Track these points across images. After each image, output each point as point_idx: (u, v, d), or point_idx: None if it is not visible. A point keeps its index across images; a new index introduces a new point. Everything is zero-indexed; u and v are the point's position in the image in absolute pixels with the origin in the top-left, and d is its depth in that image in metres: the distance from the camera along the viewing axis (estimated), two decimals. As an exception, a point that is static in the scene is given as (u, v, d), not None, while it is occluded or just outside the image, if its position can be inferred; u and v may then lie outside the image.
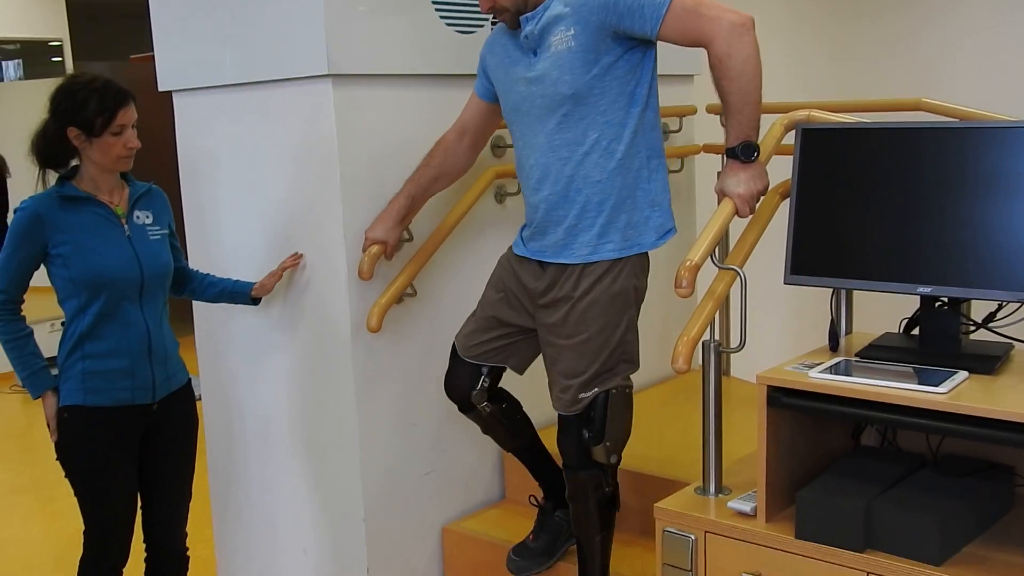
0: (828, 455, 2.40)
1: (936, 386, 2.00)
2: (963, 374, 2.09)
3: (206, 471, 3.56)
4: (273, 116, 3.08)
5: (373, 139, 3.01)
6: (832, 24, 4.89)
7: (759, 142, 2.44)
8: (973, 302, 2.29)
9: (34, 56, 9.97)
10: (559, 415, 2.67)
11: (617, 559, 3.01)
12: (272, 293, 3.12)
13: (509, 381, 2.91)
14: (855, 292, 2.58)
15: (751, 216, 2.50)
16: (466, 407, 2.89)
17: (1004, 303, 2.23)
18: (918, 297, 2.26)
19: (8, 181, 7.62)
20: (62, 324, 2.75)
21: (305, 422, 3.22)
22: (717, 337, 2.44)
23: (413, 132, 3.07)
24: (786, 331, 4.64)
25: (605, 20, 2.42)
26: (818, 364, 2.22)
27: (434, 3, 3.09)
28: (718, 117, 3.94)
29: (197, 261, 3.39)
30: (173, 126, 3.43)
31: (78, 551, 2.86)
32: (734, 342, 2.43)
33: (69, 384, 2.72)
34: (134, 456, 2.82)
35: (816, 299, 2.87)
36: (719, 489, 2.40)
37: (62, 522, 4.53)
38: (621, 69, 2.49)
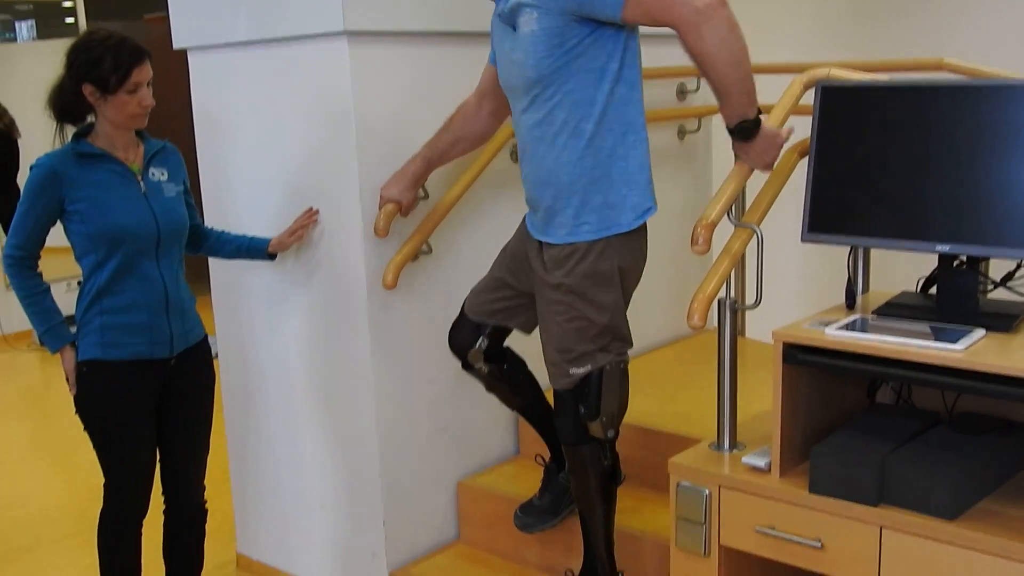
0: (843, 412, 2.41)
1: (953, 343, 2.01)
2: (980, 332, 2.09)
3: (223, 427, 3.60)
4: (288, 74, 3.08)
5: (389, 96, 3.00)
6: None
7: (776, 104, 2.43)
8: (991, 261, 2.29)
9: (47, 16, 9.94)
10: (554, 392, 2.66)
11: (631, 514, 3.04)
12: (287, 250, 3.14)
13: (517, 344, 2.92)
14: (872, 251, 2.57)
15: (769, 174, 2.50)
16: (466, 365, 2.91)
17: (1022, 262, 2.23)
18: (936, 255, 2.26)
19: (19, 142, 7.64)
20: (79, 283, 2.77)
21: (321, 378, 3.24)
22: (733, 295, 2.43)
23: (429, 90, 3.07)
24: (802, 290, 4.64)
25: (566, 5, 2.33)
26: (834, 321, 2.22)
27: (451, -41, 3.08)
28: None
29: (213, 219, 3.41)
30: (188, 85, 3.43)
31: (98, 505, 2.90)
32: (750, 300, 2.42)
33: (88, 339, 2.75)
34: (152, 410, 2.85)
35: (833, 258, 2.87)
36: (733, 444, 2.41)
37: (82, 477, 4.58)
38: (591, 49, 2.39)
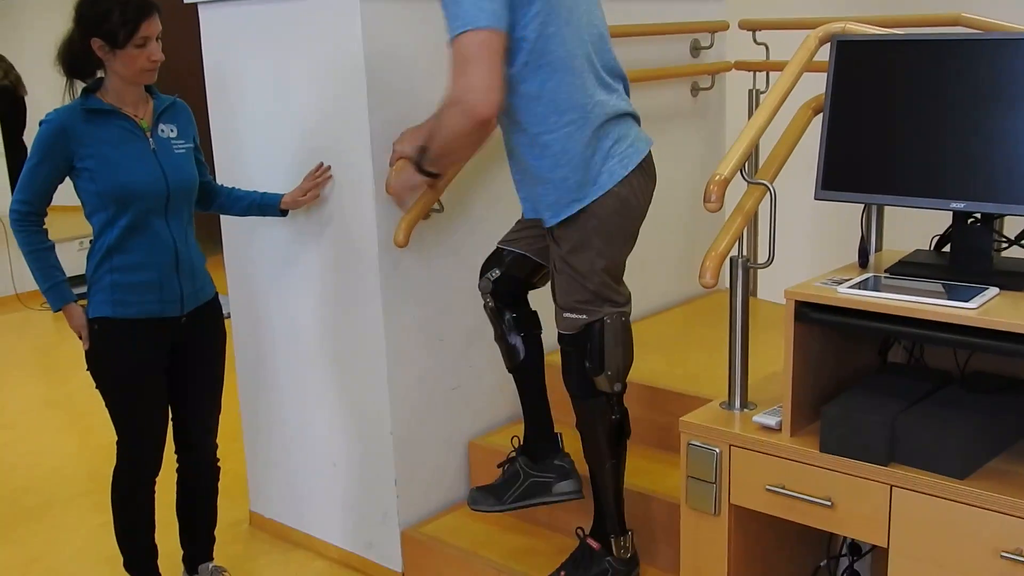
0: (854, 372, 2.40)
1: (966, 302, 1.99)
2: (994, 290, 2.07)
3: (236, 387, 3.61)
4: (300, 29, 3.06)
5: (401, 53, 2.98)
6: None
7: (791, 60, 2.40)
8: (1006, 218, 2.27)
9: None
10: (560, 349, 2.69)
11: (641, 473, 3.05)
12: (300, 208, 3.14)
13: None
14: (886, 209, 2.55)
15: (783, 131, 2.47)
16: (487, 306, 2.90)
17: (1038, 219, 2.21)
18: (950, 213, 2.23)
19: (25, 99, 7.64)
20: (91, 242, 2.77)
21: (333, 337, 3.24)
22: (745, 253, 2.42)
23: (441, 46, 3.03)
24: (814, 249, 4.62)
25: None
26: (847, 280, 2.20)
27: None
28: (751, 33, 3.90)
29: (224, 176, 3.40)
30: (198, 40, 3.41)
31: (111, 463, 2.92)
32: (762, 258, 2.41)
33: (98, 296, 2.75)
34: (163, 368, 2.86)
35: (846, 216, 2.85)
36: (744, 404, 2.41)
37: (95, 435, 4.62)
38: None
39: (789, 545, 2.56)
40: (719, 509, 2.33)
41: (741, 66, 3.97)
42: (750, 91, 3.94)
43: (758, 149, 3.57)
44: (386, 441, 3.16)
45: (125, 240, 2.72)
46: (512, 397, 3.44)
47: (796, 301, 2.17)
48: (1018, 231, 2.26)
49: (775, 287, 2.80)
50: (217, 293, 2.98)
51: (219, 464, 3.14)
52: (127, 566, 3.02)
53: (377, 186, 2.97)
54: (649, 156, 2.63)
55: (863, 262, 2.39)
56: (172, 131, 2.81)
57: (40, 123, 2.68)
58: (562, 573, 2.80)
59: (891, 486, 2.06)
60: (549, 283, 2.73)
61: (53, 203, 2.74)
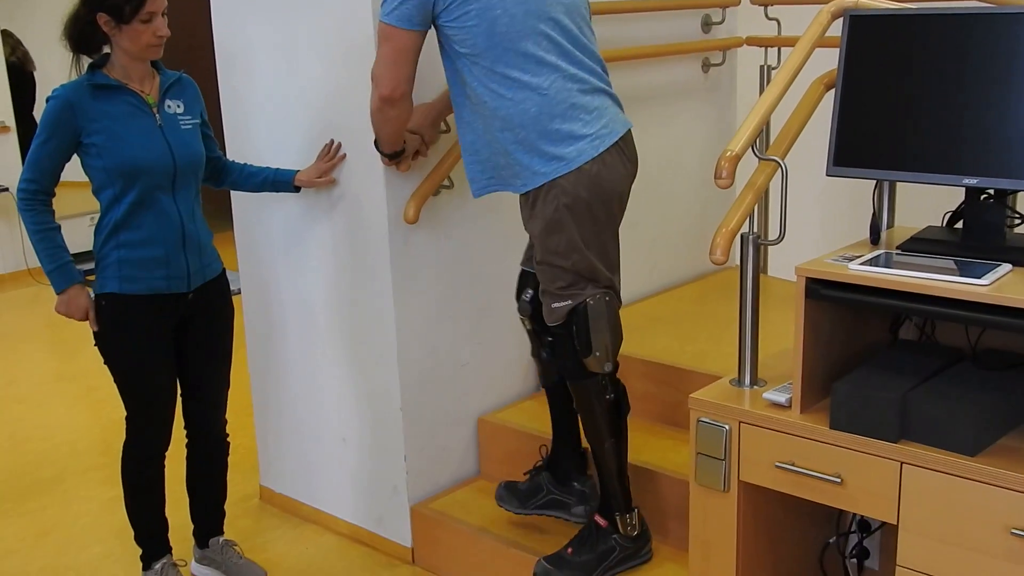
0: (865, 349, 2.39)
1: (978, 278, 1.98)
2: (1006, 267, 2.06)
3: (246, 362, 3.62)
4: (310, 2, 3.04)
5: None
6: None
7: (803, 35, 2.38)
8: (1019, 195, 2.25)
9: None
10: (552, 332, 2.71)
11: (651, 450, 3.05)
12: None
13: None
14: (898, 185, 2.54)
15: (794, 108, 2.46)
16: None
17: (1051, 196, 2.20)
18: (963, 189, 2.22)
19: (34, 74, 7.64)
20: (98, 219, 2.77)
21: (343, 313, 3.25)
22: (756, 230, 2.41)
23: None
24: (826, 226, 4.59)
25: None
26: (858, 256, 2.19)
27: None
28: (762, 8, 3.87)
29: (234, 153, 3.40)
30: (208, 15, 3.40)
31: (123, 437, 2.94)
32: (773, 235, 2.40)
33: (106, 272, 2.75)
34: (171, 344, 2.86)
35: (858, 193, 2.84)
36: (754, 381, 2.40)
37: (107, 409, 4.64)
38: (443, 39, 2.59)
39: (798, 522, 2.56)
40: (728, 486, 2.33)
41: (753, 42, 3.95)
42: (761, 67, 3.92)
43: (769, 125, 3.55)
44: (396, 417, 3.17)
45: (132, 216, 2.72)
46: (521, 374, 3.45)
47: (807, 278, 2.16)
48: (1031, 207, 2.25)
49: (786, 264, 2.79)
50: (224, 269, 2.98)
51: (228, 439, 3.15)
52: (138, 539, 3.04)
53: (387, 162, 2.96)
54: (627, 139, 2.63)
55: (875, 239, 2.38)
56: (179, 107, 2.80)
57: (47, 99, 2.67)
58: (569, 550, 2.81)
59: (901, 463, 2.06)
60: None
61: (64, 179, 2.74)
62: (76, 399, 4.93)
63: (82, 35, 2.68)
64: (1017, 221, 2.25)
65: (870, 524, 2.65)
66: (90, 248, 2.80)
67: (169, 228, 2.76)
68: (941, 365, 2.23)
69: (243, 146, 3.38)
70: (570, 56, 2.55)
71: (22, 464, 4.19)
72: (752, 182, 2.37)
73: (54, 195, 2.74)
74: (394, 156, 2.88)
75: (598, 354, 2.64)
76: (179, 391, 2.98)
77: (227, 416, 3.12)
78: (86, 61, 2.73)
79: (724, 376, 2.48)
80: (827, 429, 2.15)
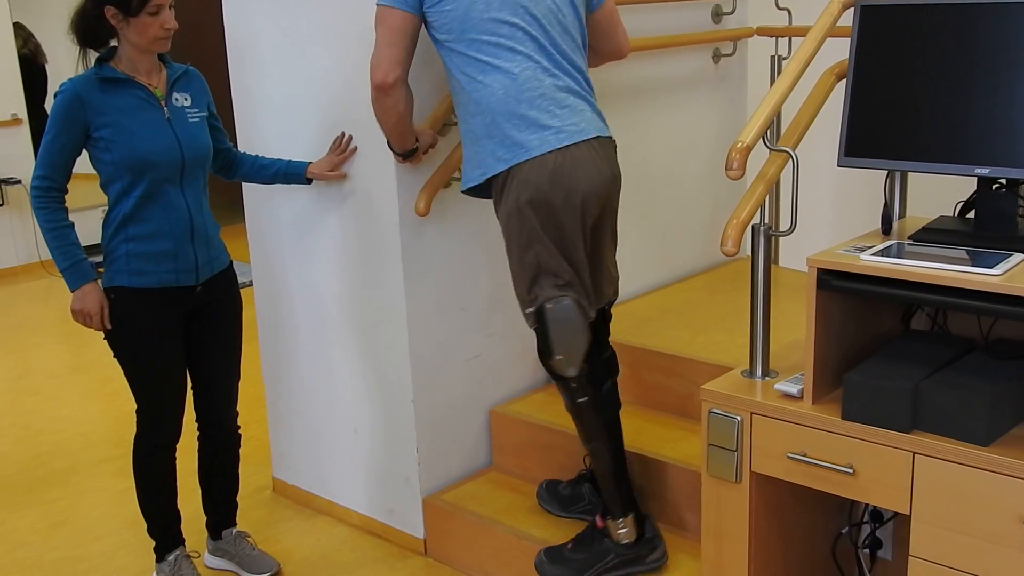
0: (877, 339, 2.39)
1: (990, 268, 1.97)
2: (1018, 256, 2.06)
3: (258, 354, 3.63)
4: (319, -3, 3.05)
5: (420, 20, 2.96)
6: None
7: (814, 26, 2.37)
8: (1031, 184, 2.25)
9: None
10: None
11: (663, 441, 3.05)
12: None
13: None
14: (910, 175, 2.53)
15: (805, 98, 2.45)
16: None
17: (1064, 186, 2.19)
18: (974, 179, 2.21)
19: (46, 67, 7.66)
20: (106, 212, 2.78)
21: (355, 305, 3.25)
22: (767, 221, 2.40)
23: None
24: (837, 217, 4.59)
25: None
26: (869, 247, 2.19)
27: None
28: (773, -2, 3.85)
29: (245, 144, 3.40)
30: (215, 9, 3.41)
31: (134, 429, 2.95)
32: (784, 226, 2.39)
33: (114, 266, 2.76)
34: (180, 336, 2.87)
35: (869, 183, 2.83)
36: (766, 372, 2.40)
37: (119, 401, 4.66)
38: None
39: (810, 512, 2.56)
40: (740, 477, 2.33)
41: (763, 32, 3.94)
42: (772, 57, 3.91)
43: (780, 116, 3.54)
44: (407, 409, 3.18)
45: (140, 209, 2.73)
46: (532, 366, 3.45)
47: (818, 269, 2.16)
48: (1044, 197, 2.24)
49: (797, 254, 2.78)
50: (232, 261, 2.99)
51: (240, 431, 3.16)
52: (151, 531, 3.06)
53: (398, 154, 2.96)
54: (604, 144, 2.58)
55: (886, 229, 2.38)
56: (186, 100, 2.81)
57: (55, 94, 2.68)
58: (569, 546, 2.81)
59: (913, 453, 2.06)
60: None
61: (76, 171, 2.74)
62: (89, 391, 4.96)
63: (89, 29, 2.69)
64: (1030, 211, 2.24)
65: (882, 514, 2.65)
66: (100, 241, 2.80)
67: (178, 221, 2.77)
68: (953, 355, 2.23)
69: (253, 138, 3.39)
70: (547, 53, 2.53)
71: (36, 456, 4.21)
72: (763, 173, 2.37)
73: (67, 191, 2.74)
74: (407, 155, 2.88)
75: (559, 358, 2.60)
76: (190, 384, 2.99)
77: (239, 408, 3.13)
78: (93, 55, 2.74)
79: (736, 367, 2.48)
80: (839, 420, 2.15)
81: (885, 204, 2.44)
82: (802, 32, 2.61)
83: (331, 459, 3.52)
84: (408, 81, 2.63)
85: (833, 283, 2.15)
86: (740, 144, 2.27)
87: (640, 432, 3.13)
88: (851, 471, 2.14)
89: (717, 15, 3.97)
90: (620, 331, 3.42)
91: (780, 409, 2.24)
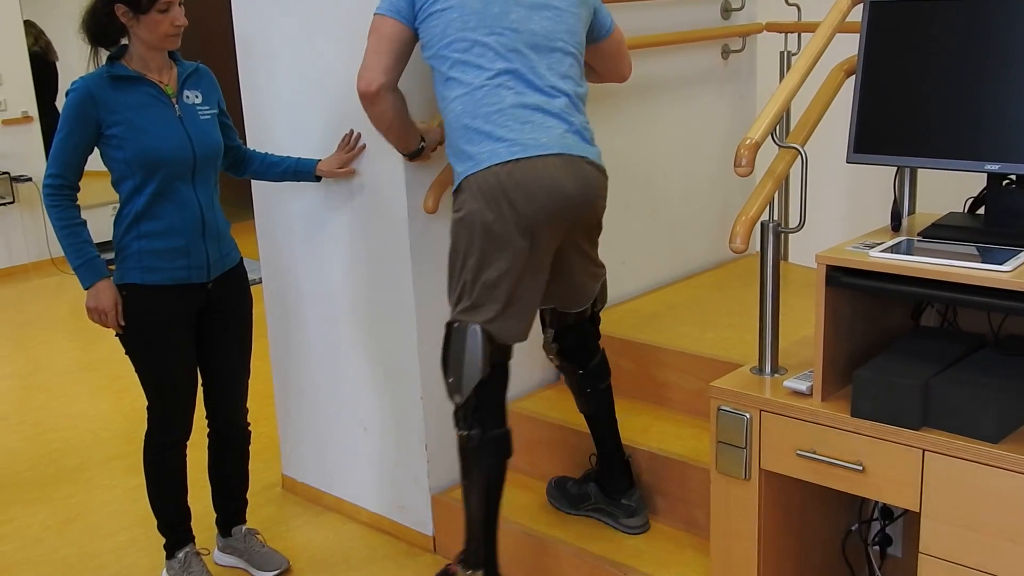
0: (886, 336, 2.38)
1: (1000, 264, 1.97)
2: (1029, 253, 2.05)
3: (267, 352, 3.63)
4: (327, -6, 3.05)
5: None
6: None
7: (823, 22, 2.36)
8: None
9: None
10: None
11: (671, 438, 3.05)
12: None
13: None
14: (919, 172, 2.52)
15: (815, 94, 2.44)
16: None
17: (1075, 181, 2.18)
18: (984, 175, 2.20)
19: (57, 65, 7.67)
20: (118, 209, 2.78)
21: (364, 302, 3.26)
22: (776, 217, 2.40)
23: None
24: (846, 213, 4.58)
25: None
26: (879, 244, 2.18)
27: None
28: (782, -7, 3.84)
29: (254, 141, 3.41)
30: (224, 7, 3.41)
31: (145, 426, 2.95)
32: (793, 223, 2.39)
33: (126, 263, 2.77)
34: (191, 333, 2.88)
35: (879, 180, 2.82)
36: (775, 369, 2.39)
37: (129, 398, 4.67)
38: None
39: (820, 509, 2.56)
40: (750, 474, 2.33)
41: (772, 28, 3.93)
42: (781, 53, 3.90)
43: (789, 112, 3.53)
44: (416, 406, 3.18)
45: (152, 207, 2.73)
46: (542, 363, 3.45)
47: (828, 265, 2.16)
48: (1055, 193, 2.23)
49: (807, 251, 2.78)
50: (242, 258, 3.00)
51: (250, 428, 3.17)
52: (161, 528, 3.06)
53: (406, 151, 2.96)
54: (573, 161, 2.48)
55: (896, 225, 2.37)
56: (197, 97, 2.81)
57: (67, 92, 2.69)
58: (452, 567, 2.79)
59: (923, 450, 2.05)
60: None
61: (88, 169, 2.75)
62: (100, 388, 4.97)
63: (100, 27, 2.69)
64: (1040, 207, 2.23)
65: (893, 511, 2.65)
66: (111, 238, 2.81)
67: (189, 218, 2.77)
68: (963, 352, 2.22)
69: (263, 135, 3.39)
70: (517, 73, 2.47)
71: (47, 453, 4.22)
72: (772, 170, 2.36)
73: (79, 189, 2.75)
74: (413, 155, 2.87)
75: (450, 380, 2.57)
76: (200, 380, 2.99)
77: (249, 405, 3.13)
78: (104, 53, 2.74)
79: (745, 364, 2.48)
80: (849, 417, 2.15)
81: (895, 200, 2.43)
82: (811, 28, 2.60)
83: (340, 456, 3.52)
84: (398, 88, 2.61)
85: (842, 280, 2.14)
86: (749, 141, 2.27)
87: (649, 429, 3.13)
88: (861, 468, 2.14)
89: (726, 11, 3.96)
90: (629, 328, 3.42)
91: (789, 406, 2.24)
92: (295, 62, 3.22)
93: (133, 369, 2.87)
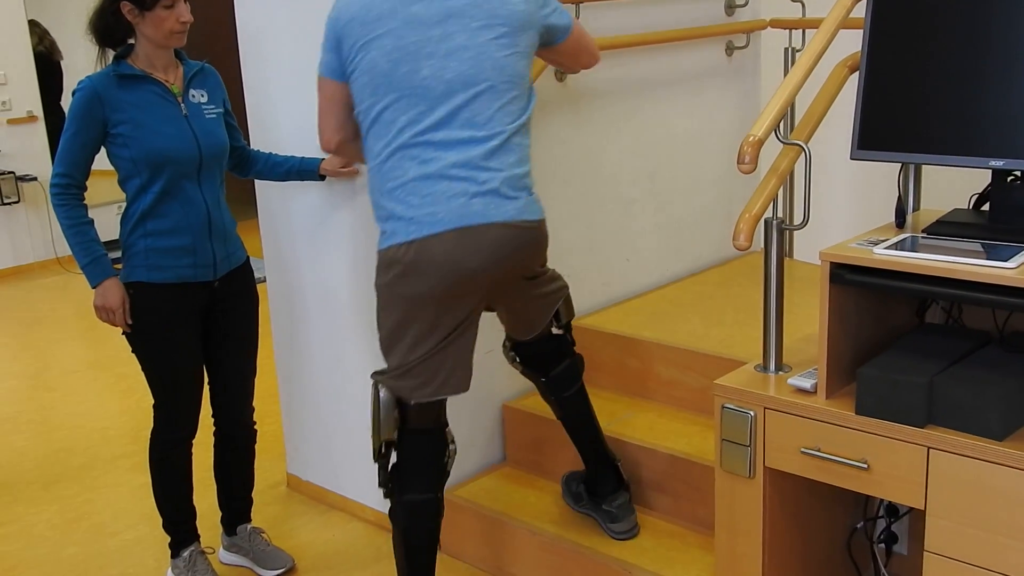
0: (891, 333, 2.38)
1: (1005, 261, 1.96)
2: (1034, 250, 2.04)
3: (272, 350, 3.64)
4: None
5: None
6: None
7: (827, 17, 2.35)
8: (1047, 177, 2.23)
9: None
10: None
11: (675, 436, 3.05)
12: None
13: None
14: (924, 168, 2.51)
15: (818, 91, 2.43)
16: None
17: (1080, 178, 2.17)
18: (989, 172, 2.20)
19: (62, 64, 7.68)
20: (124, 208, 2.78)
21: (367, 300, 3.24)
22: (780, 215, 2.39)
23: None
24: (851, 210, 4.57)
25: None
26: (883, 240, 2.18)
27: None
28: (786, -10, 3.83)
29: (257, 141, 3.41)
30: (229, 6, 3.41)
31: (151, 424, 2.96)
32: (797, 220, 2.38)
33: (133, 261, 2.77)
34: (197, 332, 2.88)
35: (883, 176, 2.81)
36: (779, 366, 2.39)
37: (136, 397, 4.68)
38: None
39: (825, 507, 2.55)
40: (754, 472, 2.32)
41: (776, 24, 3.92)
42: (786, 49, 3.89)
43: (793, 109, 3.53)
44: (421, 403, 3.17)
45: (159, 205, 2.74)
46: (546, 359, 3.44)
47: (832, 262, 2.15)
48: (1060, 190, 2.22)
49: (811, 248, 2.77)
50: (248, 257, 3.00)
51: (256, 427, 3.17)
52: (166, 527, 3.07)
53: (410, 149, 2.96)
54: (467, 236, 2.38)
55: (900, 222, 2.36)
56: (203, 96, 2.81)
57: (73, 92, 2.69)
58: None
59: (928, 448, 2.04)
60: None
61: (94, 168, 2.75)
62: (106, 386, 4.98)
63: (107, 27, 2.70)
64: (1045, 203, 2.22)
65: (898, 509, 2.64)
66: (118, 237, 2.81)
67: (195, 217, 2.78)
68: (968, 349, 2.21)
69: (266, 135, 3.39)
70: (425, 140, 2.40)
71: (53, 451, 4.23)
72: (776, 167, 2.35)
73: (86, 188, 2.75)
74: None
75: (373, 435, 2.60)
76: (206, 379, 3.00)
77: (254, 404, 3.14)
78: (111, 54, 2.75)
79: (749, 361, 2.47)
80: (853, 414, 2.14)
81: (899, 197, 2.42)
82: (815, 24, 2.59)
83: (345, 454, 3.52)
84: (359, 134, 2.56)
85: (847, 277, 2.14)
86: (752, 138, 2.26)
87: (653, 426, 3.13)
88: (865, 466, 2.13)
89: (730, 7, 3.95)
90: (633, 325, 3.42)
91: (794, 404, 2.23)
92: (298, 62, 3.22)
93: (139, 368, 2.88)
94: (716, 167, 4.03)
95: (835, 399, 2.21)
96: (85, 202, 2.76)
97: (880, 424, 2.10)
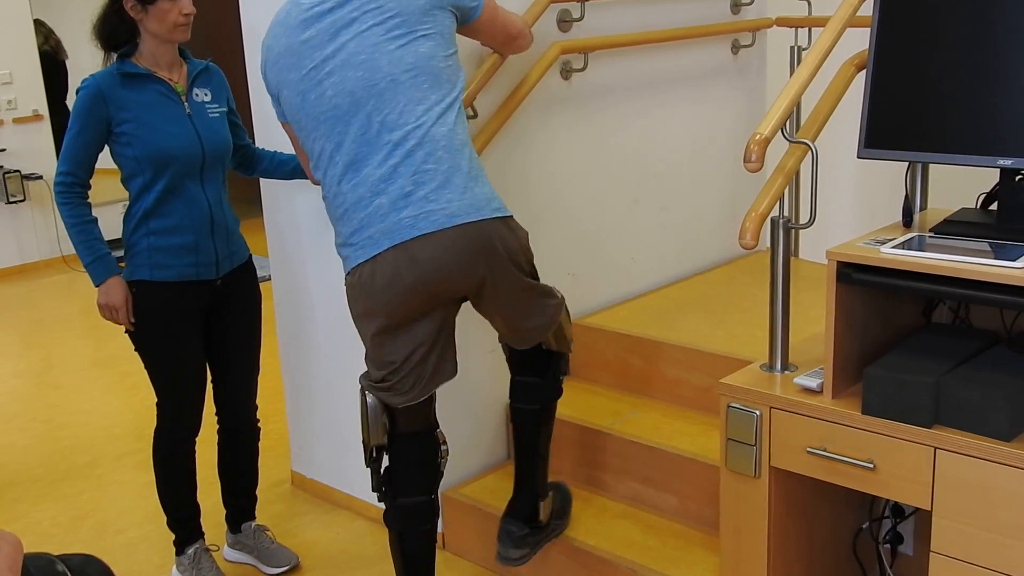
0: (898, 332, 2.37)
1: (1013, 261, 1.95)
2: (1042, 249, 2.03)
3: (276, 348, 3.63)
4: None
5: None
6: None
7: (834, 16, 2.35)
8: (1055, 176, 2.22)
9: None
10: None
11: (681, 435, 3.04)
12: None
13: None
14: (931, 167, 2.50)
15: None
16: None
17: (1088, 177, 2.16)
18: (997, 171, 2.19)
19: (67, 63, 7.69)
20: (127, 207, 2.78)
21: (372, 299, 3.25)
22: (786, 213, 2.38)
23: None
24: (857, 209, 4.56)
25: None
26: (890, 240, 2.17)
27: None
28: (792, -12, 3.82)
29: (263, 139, 3.40)
30: (233, 6, 3.41)
31: (155, 422, 2.96)
32: (803, 219, 2.37)
33: (136, 260, 2.77)
34: (199, 330, 2.88)
35: (890, 175, 2.80)
36: (785, 366, 2.38)
37: (140, 395, 4.68)
38: None
39: (830, 507, 2.54)
40: (759, 471, 2.32)
41: (783, 22, 3.91)
42: (792, 48, 3.88)
43: (800, 107, 3.51)
44: (426, 402, 3.17)
45: (161, 204, 2.74)
46: (551, 358, 3.43)
47: (838, 262, 2.14)
48: (1068, 189, 2.21)
49: (818, 247, 2.76)
50: (251, 255, 3.00)
51: (259, 425, 3.17)
52: (170, 525, 3.07)
53: (415, 147, 2.95)
54: (405, 252, 2.35)
55: (907, 221, 2.35)
56: (206, 95, 2.81)
57: (77, 90, 2.69)
58: None
59: (935, 448, 2.04)
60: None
61: (97, 166, 2.75)
62: (111, 385, 4.98)
63: (112, 29, 2.70)
64: (1053, 203, 2.21)
65: (904, 509, 2.63)
66: (121, 235, 2.81)
67: (198, 215, 2.78)
68: (975, 349, 2.21)
69: (271, 134, 3.38)
70: (352, 162, 2.39)
71: (58, 449, 4.23)
72: (782, 165, 2.35)
73: (90, 187, 2.75)
74: None
75: (363, 438, 2.58)
76: (210, 377, 3.00)
77: (258, 401, 3.14)
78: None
79: (755, 361, 2.47)
80: (859, 414, 2.13)
81: (906, 196, 2.41)
82: (822, 22, 2.57)
83: (350, 453, 3.51)
84: None
85: (853, 276, 2.13)
86: (758, 136, 2.25)
87: (658, 426, 3.12)
88: (871, 466, 2.12)
89: (736, 6, 3.94)
90: (639, 324, 3.41)
91: (799, 403, 2.22)
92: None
93: (143, 366, 2.87)
94: (722, 166, 4.02)
95: (841, 399, 2.20)
96: (89, 200, 2.76)
97: (887, 424, 2.09)
